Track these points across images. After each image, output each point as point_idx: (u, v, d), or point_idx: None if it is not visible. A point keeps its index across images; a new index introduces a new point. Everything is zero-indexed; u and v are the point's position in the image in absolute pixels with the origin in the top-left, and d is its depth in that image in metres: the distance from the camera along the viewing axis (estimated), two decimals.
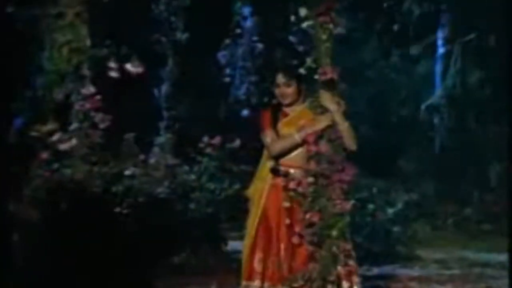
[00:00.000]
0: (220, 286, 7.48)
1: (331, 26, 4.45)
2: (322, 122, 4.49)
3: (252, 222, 4.61)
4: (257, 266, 4.52)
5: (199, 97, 13.66)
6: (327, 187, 4.39)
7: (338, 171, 4.39)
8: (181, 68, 12.03)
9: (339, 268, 4.38)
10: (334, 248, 4.36)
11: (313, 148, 4.43)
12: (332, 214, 4.37)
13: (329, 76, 4.44)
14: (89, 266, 6.02)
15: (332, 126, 4.47)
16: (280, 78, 4.59)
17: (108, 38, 7.25)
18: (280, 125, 4.63)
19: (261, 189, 4.64)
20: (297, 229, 4.45)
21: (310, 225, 4.38)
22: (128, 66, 7.38)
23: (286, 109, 4.67)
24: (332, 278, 4.35)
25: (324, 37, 4.46)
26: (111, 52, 7.19)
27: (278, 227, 4.54)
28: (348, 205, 4.39)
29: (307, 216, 4.39)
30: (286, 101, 4.62)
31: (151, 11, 11.84)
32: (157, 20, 11.89)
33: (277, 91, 4.62)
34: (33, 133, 6.58)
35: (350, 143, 4.48)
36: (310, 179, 4.40)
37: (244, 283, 4.57)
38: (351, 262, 4.45)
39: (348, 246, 4.43)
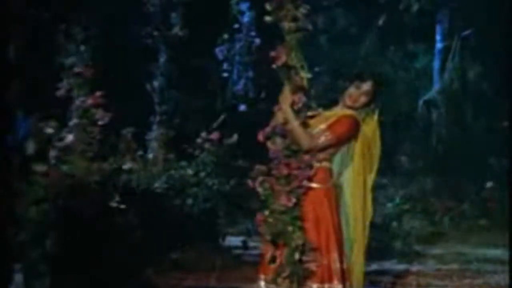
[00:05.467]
0: (218, 281, 7.49)
1: (289, 20, 4.23)
2: (277, 118, 4.37)
3: None
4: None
5: (196, 92, 13.66)
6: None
7: (280, 166, 4.26)
8: (175, 62, 11.98)
9: (307, 264, 4.28)
10: (294, 244, 4.24)
11: (269, 145, 4.33)
12: (278, 212, 4.26)
13: (283, 59, 4.21)
14: (86, 262, 6.03)
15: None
16: (368, 85, 4.53)
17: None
18: None
19: None
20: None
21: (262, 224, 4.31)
22: None
23: None
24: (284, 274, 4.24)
25: (287, 31, 4.25)
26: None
27: None
28: (288, 200, 4.21)
29: (257, 216, 4.32)
30: (356, 105, 4.54)
31: (143, 5, 11.79)
32: (149, 14, 11.84)
33: (355, 93, 4.52)
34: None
35: (299, 143, 4.30)
36: (260, 179, 4.30)
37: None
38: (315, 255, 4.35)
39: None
